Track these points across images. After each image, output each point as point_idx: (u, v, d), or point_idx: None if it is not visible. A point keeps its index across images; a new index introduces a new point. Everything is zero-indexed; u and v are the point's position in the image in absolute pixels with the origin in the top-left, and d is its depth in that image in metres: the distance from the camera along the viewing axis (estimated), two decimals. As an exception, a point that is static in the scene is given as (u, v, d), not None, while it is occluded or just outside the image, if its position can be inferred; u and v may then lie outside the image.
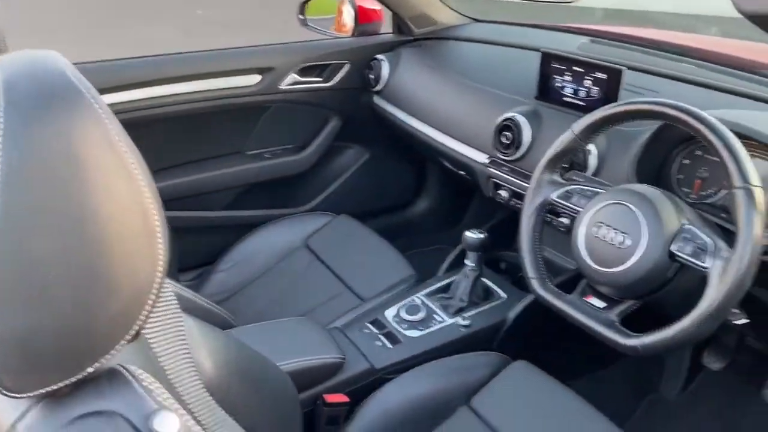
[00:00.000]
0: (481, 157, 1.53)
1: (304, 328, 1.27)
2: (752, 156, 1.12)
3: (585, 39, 1.69)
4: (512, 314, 1.38)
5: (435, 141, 1.68)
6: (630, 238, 0.96)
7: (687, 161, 1.21)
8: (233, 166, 1.85)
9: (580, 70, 1.33)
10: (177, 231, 1.74)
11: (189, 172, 1.79)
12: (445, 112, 1.66)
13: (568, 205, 1.09)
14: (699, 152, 1.20)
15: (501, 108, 1.46)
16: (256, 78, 1.76)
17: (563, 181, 1.13)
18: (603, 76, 1.29)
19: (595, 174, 1.24)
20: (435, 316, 1.37)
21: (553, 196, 1.11)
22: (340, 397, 1.20)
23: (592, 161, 1.26)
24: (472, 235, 1.38)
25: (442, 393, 1.22)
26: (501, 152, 1.44)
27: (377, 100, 1.90)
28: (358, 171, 2.06)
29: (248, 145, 1.88)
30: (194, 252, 1.81)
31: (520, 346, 1.39)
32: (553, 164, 1.12)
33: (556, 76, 1.39)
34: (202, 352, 0.90)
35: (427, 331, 1.34)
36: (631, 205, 0.97)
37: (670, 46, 1.57)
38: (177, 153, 1.78)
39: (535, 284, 1.11)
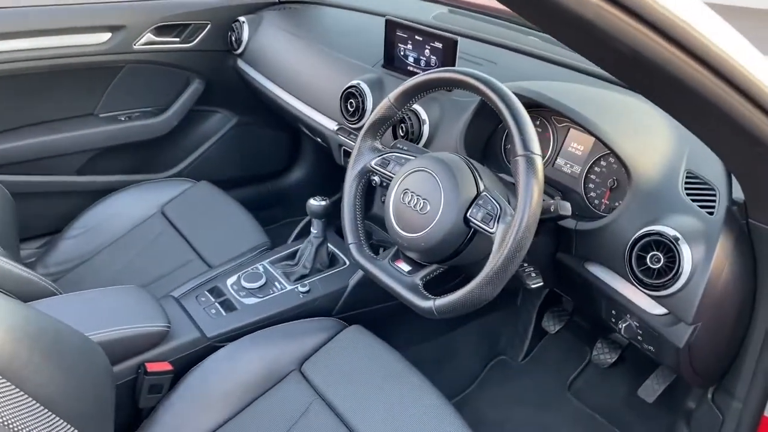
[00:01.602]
0: (331, 124, 1.52)
1: (129, 297, 1.23)
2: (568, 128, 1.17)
3: (444, 9, 1.71)
4: (353, 281, 1.39)
5: (292, 107, 1.66)
6: (430, 204, 0.98)
7: None
8: (84, 129, 1.76)
9: (420, 39, 1.34)
10: (20, 196, 1.64)
11: (35, 134, 1.69)
12: (299, 77, 1.64)
13: (384, 172, 1.10)
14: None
15: (348, 75, 1.45)
16: (105, 36, 1.67)
17: (383, 149, 1.13)
18: (439, 45, 1.30)
19: (426, 144, 1.26)
20: (276, 283, 1.36)
21: (372, 162, 1.11)
22: (163, 366, 1.17)
23: (426, 131, 1.28)
24: (315, 202, 1.38)
25: (274, 359, 1.22)
26: (347, 119, 1.43)
27: (240, 64, 1.85)
28: (224, 137, 2.01)
29: (101, 107, 1.79)
30: (41, 219, 1.72)
31: (362, 314, 1.41)
32: (374, 131, 1.13)
33: (400, 45, 1.39)
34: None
35: (265, 298, 1.33)
36: (433, 172, 0.99)
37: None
38: (19, 114, 1.68)
39: (353, 249, 1.12)
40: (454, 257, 0.99)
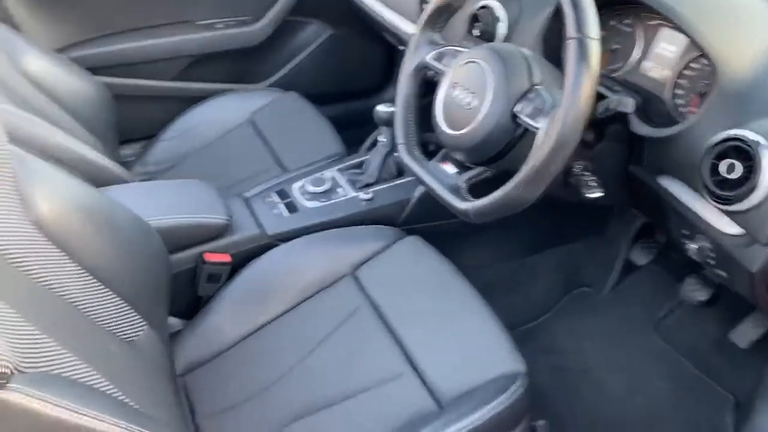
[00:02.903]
0: (410, 28, 1.45)
1: (192, 189, 1.27)
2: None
3: None
4: (418, 192, 1.34)
5: (374, 12, 1.60)
6: (477, 98, 0.90)
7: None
8: (182, 35, 1.81)
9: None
10: (121, 99, 1.74)
11: (136, 38, 1.77)
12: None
13: (438, 66, 1.02)
14: (613, 22, 1.10)
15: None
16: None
17: (442, 42, 1.06)
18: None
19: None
20: (339, 189, 1.35)
21: (428, 57, 1.04)
22: (222, 257, 1.21)
23: (501, 29, 1.17)
24: (382, 108, 1.33)
25: (329, 261, 1.22)
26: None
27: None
28: (317, 50, 2.00)
29: (199, 13, 1.83)
30: (140, 122, 1.82)
31: (428, 228, 1.36)
32: (432, 21, 1.05)
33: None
34: (37, 191, 0.91)
35: (327, 203, 1.33)
36: (483, 64, 0.90)
37: None
38: (123, 18, 1.75)
39: (402, 149, 1.07)
40: (500, 158, 0.92)
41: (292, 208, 1.32)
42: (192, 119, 1.77)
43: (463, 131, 0.92)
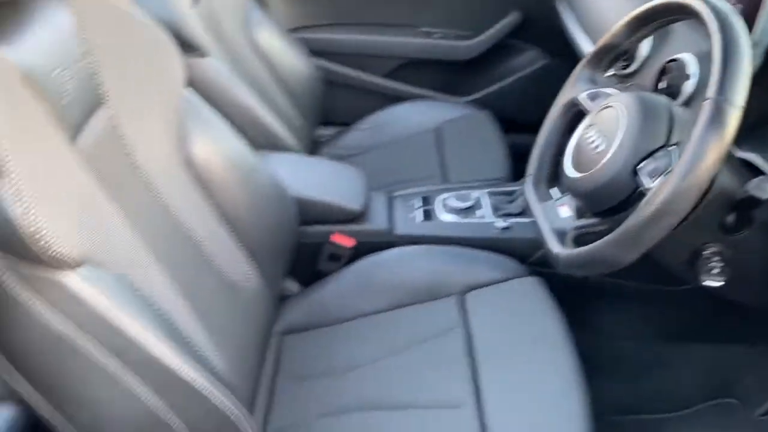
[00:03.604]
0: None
1: (344, 174, 1.36)
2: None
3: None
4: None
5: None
6: (605, 143, 0.83)
7: None
8: (401, 37, 1.92)
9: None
10: (330, 84, 1.91)
11: (360, 32, 1.93)
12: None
13: (588, 104, 0.96)
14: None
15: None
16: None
17: (602, 82, 0.99)
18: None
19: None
20: (478, 210, 1.34)
21: (582, 95, 0.98)
22: (347, 241, 1.28)
23: (688, 88, 1.07)
24: None
25: (443, 275, 1.22)
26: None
27: (560, 5, 1.77)
28: (526, 77, 1.98)
29: (424, 20, 1.92)
30: (342, 109, 1.97)
31: (559, 277, 1.28)
32: (596, 60, 0.99)
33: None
34: (195, 134, 1.05)
35: (463, 220, 1.32)
36: (622, 109, 0.83)
37: None
38: (358, 11, 1.91)
39: (528, 180, 1.03)
40: (616, 213, 0.84)
41: (428, 215, 1.34)
42: (387, 116, 1.88)
43: (582, 174, 0.86)
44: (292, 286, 1.31)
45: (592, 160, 0.85)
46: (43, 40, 0.79)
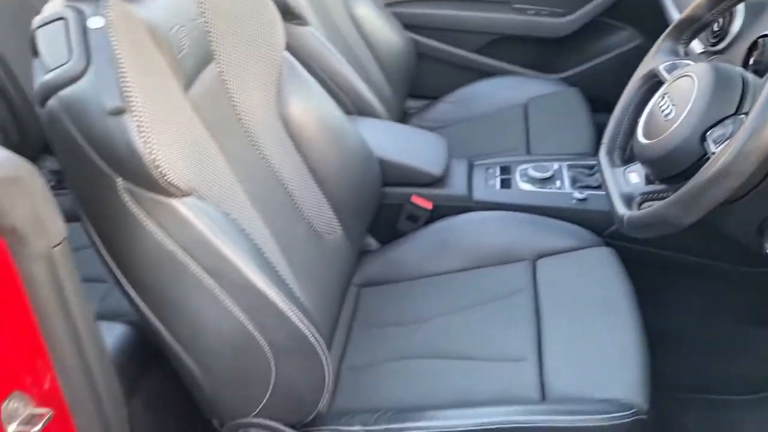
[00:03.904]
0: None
1: (428, 140, 1.42)
2: None
3: None
4: (636, 211, 1.28)
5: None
6: (676, 111, 0.85)
7: None
8: (495, 12, 1.95)
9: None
10: (422, 57, 1.97)
11: (454, 7, 1.97)
12: None
13: (666, 76, 0.97)
14: None
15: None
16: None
17: (681, 53, 1.00)
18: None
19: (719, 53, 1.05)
20: (557, 181, 1.37)
21: (661, 66, 1.00)
22: (425, 203, 1.34)
23: (725, 42, 1.07)
24: None
25: (517, 241, 1.27)
26: (709, 40, 1.26)
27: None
28: (620, 56, 1.96)
29: (518, -3, 1.95)
30: (430, 82, 2.03)
31: (635, 251, 1.29)
32: (678, 31, 1.00)
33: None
34: (293, 93, 1.15)
35: (540, 189, 1.36)
36: (695, 78, 0.85)
37: None
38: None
39: (602, 149, 1.05)
40: (681, 180, 0.86)
41: (506, 184, 1.38)
42: (476, 90, 1.93)
43: (652, 141, 0.89)
44: (372, 242, 1.40)
45: (662, 126, 0.87)
46: (165, 1, 0.90)
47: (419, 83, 2.00)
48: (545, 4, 1.95)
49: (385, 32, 1.84)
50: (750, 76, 0.85)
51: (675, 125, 0.85)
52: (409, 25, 1.94)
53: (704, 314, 1.36)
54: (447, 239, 1.31)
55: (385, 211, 1.36)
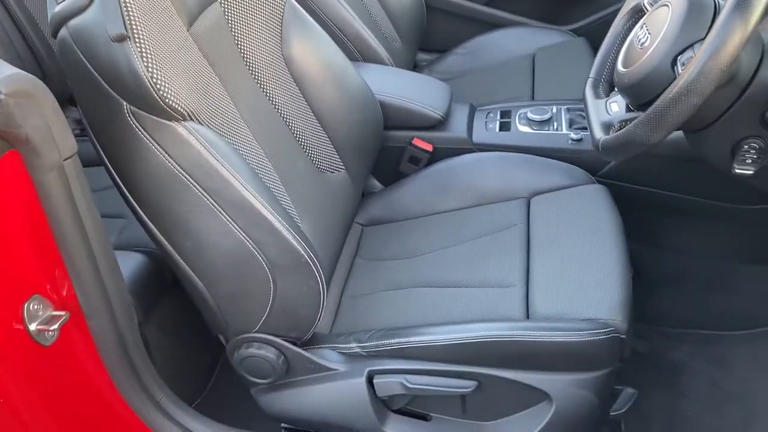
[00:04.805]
0: None
1: (430, 85, 1.47)
2: None
3: None
4: (628, 149, 1.32)
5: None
6: (651, 38, 0.88)
7: None
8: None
9: None
10: (433, 10, 2.00)
11: None
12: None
13: (649, 9, 1.00)
14: None
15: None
16: None
17: None
18: None
19: None
20: (555, 123, 1.40)
21: (646, 0, 1.02)
22: (426, 145, 1.40)
23: None
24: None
25: (512, 180, 1.32)
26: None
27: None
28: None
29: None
30: (440, 35, 2.06)
31: (628, 190, 1.33)
32: None
33: None
34: (295, 35, 1.21)
35: (537, 131, 1.40)
36: (671, 6, 0.88)
37: None
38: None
39: (588, 83, 1.08)
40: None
41: (504, 126, 1.42)
42: (485, 42, 1.95)
43: (628, 69, 0.92)
44: (376, 184, 1.46)
45: (637, 54, 0.91)
46: (169, -58, 0.96)
47: (430, 36, 2.04)
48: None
49: (395, -14, 1.87)
50: (722, 2, 0.87)
51: (649, 52, 0.88)
52: (419, -22, 1.97)
53: (697, 252, 1.39)
54: (446, 180, 1.36)
55: (387, 153, 1.42)
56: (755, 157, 0.86)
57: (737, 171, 0.87)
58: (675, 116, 0.78)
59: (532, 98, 1.66)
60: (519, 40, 1.91)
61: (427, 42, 2.04)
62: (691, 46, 0.84)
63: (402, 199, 1.38)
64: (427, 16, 1.98)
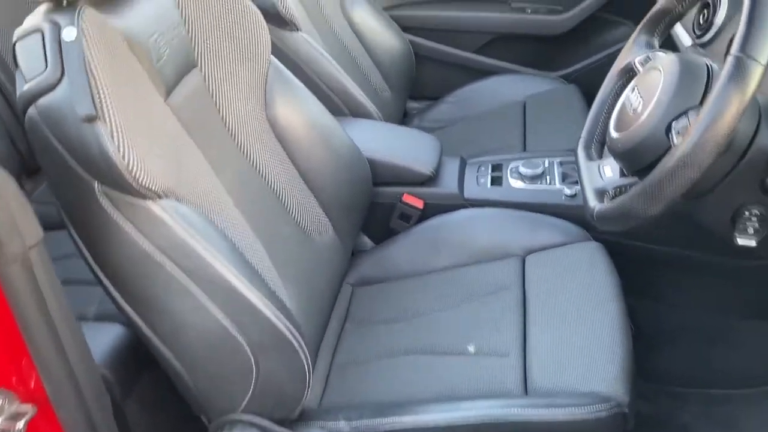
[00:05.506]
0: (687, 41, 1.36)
1: (419, 140, 1.44)
2: None
3: None
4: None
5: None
6: (644, 104, 0.86)
7: None
8: (493, 12, 1.96)
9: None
10: (421, 58, 1.99)
11: (451, 8, 1.99)
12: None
13: (640, 69, 0.98)
14: None
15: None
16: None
17: (656, 46, 1.00)
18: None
19: (704, 45, 1.04)
20: (548, 177, 1.37)
21: (637, 59, 1.00)
22: (416, 201, 1.36)
23: (710, 34, 1.06)
24: None
25: (506, 237, 1.28)
26: (695, 32, 1.26)
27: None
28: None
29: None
30: (430, 83, 2.04)
31: (624, 246, 1.29)
32: (652, 24, 1.00)
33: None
34: (279, 96, 1.18)
35: (530, 186, 1.36)
36: (662, 70, 0.85)
37: None
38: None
39: (580, 143, 1.06)
40: (650, 172, 0.86)
41: (496, 181, 1.39)
42: (476, 90, 1.94)
43: (621, 134, 0.89)
44: (366, 242, 1.42)
45: (630, 119, 0.88)
46: (145, 10, 0.94)
47: (420, 85, 2.02)
48: (543, 1, 1.95)
49: (384, 35, 1.86)
50: (716, 67, 0.85)
51: (642, 118, 0.85)
52: (407, 27, 1.97)
53: (699, 308, 1.35)
54: (438, 237, 1.32)
55: (378, 210, 1.38)
56: (757, 226, 0.83)
57: (740, 243, 0.83)
58: (672, 189, 0.75)
59: (524, 148, 1.63)
60: (509, 88, 1.89)
61: (417, 90, 2.02)
62: (685, 112, 0.81)
63: (393, 257, 1.34)
64: (417, 65, 1.97)
